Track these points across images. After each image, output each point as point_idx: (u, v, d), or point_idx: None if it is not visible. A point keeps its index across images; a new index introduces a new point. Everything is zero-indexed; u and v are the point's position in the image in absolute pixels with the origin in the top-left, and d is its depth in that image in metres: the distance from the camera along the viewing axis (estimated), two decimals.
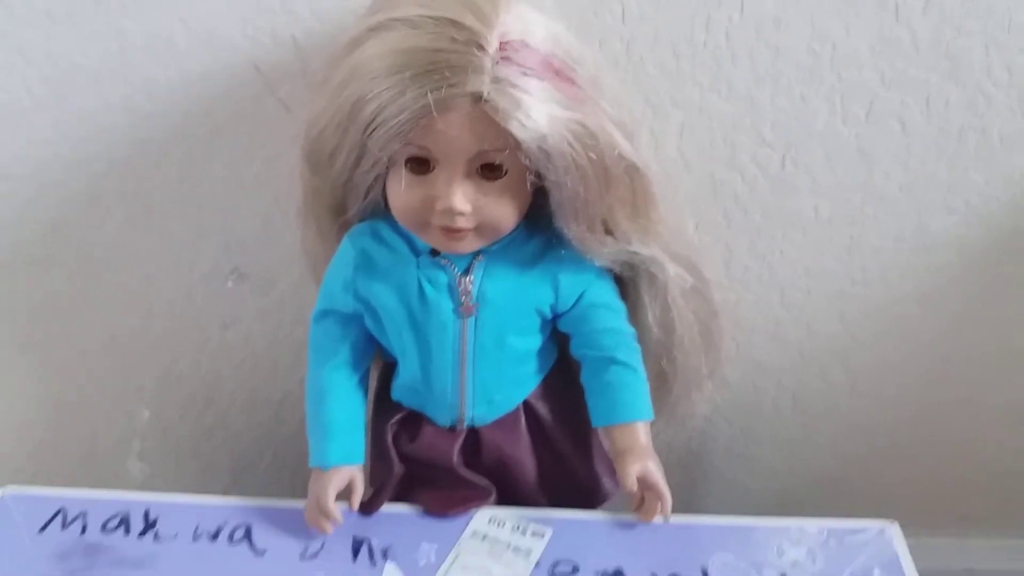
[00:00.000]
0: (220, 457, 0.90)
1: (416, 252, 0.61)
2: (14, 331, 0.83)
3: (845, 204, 0.74)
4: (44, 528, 0.64)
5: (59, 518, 0.65)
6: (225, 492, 0.73)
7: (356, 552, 0.62)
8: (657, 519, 0.62)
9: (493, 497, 0.66)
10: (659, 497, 0.61)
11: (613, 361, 0.63)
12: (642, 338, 0.65)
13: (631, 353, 0.64)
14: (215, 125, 0.72)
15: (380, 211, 0.61)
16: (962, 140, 0.71)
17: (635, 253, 0.61)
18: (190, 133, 0.72)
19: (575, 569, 0.60)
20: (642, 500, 0.62)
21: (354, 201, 0.60)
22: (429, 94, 0.49)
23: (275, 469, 0.90)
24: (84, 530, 0.64)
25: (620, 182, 0.57)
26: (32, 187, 0.74)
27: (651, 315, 0.64)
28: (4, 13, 0.67)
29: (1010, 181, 0.73)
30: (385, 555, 0.62)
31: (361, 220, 0.63)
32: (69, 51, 0.69)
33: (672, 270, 0.63)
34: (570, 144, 0.52)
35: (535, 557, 0.61)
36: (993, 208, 0.74)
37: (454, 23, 0.50)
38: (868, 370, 0.83)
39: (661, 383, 0.67)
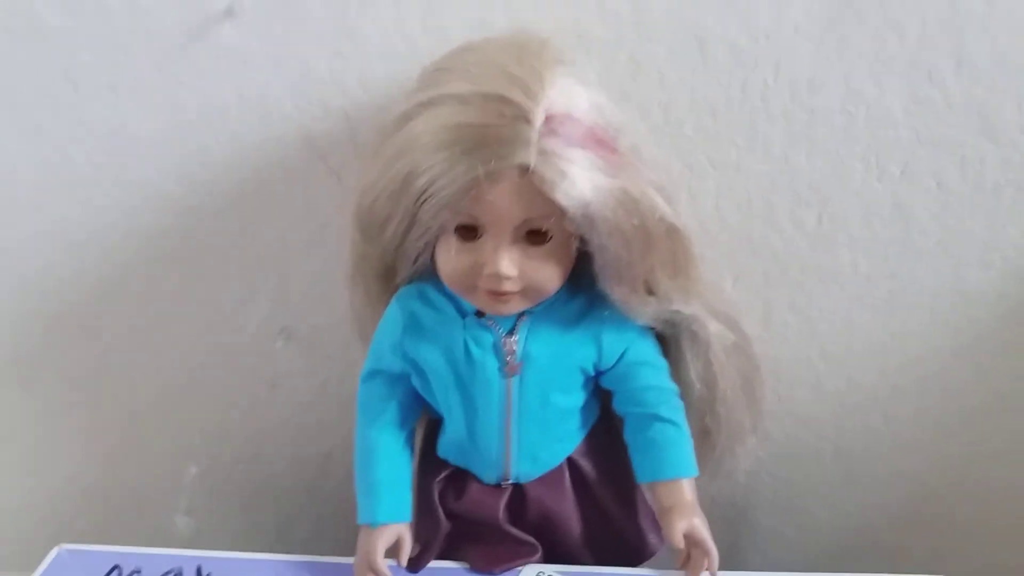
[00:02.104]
0: (266, 513, 0.91)
1: (462, 313, 0.62)
2: (66, 390, 0.85)
3: (882, 260, 0.75)
4: None
5: (115, 575, 0.66)
6: (270, 548, 0.73)
7: None
8: (704, 575, 0.62)
9: (539, 554, 0.66)
10: (706, 553, 0.61)
11: (657, 418, 0.64)
12: (685, 394, 0.65)
13: (674, 410, 0.64)
14: (267, 192, 0.74)
15: (427, 274, 0.63)
16: (998, 196, 0.72)
17: (676, 312, 0.62)
18: (242, 200, 0.74)
19: None
20: (688, 557, 0.62)
21: (404, 266, 0.62)
22: (479, 167, 0.52)
23: (319, 525, 0.91)
24: None
25: (661, 244, 0.58)
26: (91, 253, 0.77)
27: (694, 372, 0.65)
28: (70, 87, 0.71)
29: None
30: None
31: (408, 283, 0.64)
32: (128, 122, 0.72)
33: (713, 327, 0.64)
34: (613, 210, 0.54)
35: None
36: None
37: (502, 99, 0.52)
38: (908, 420, 0.83)
39: (705, 439, 0.68)
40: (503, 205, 0.53)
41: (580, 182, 0.53)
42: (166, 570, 0.66)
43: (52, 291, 0.79)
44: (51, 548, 0.68)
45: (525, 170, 0.52)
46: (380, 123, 0.61)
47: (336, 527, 0.90)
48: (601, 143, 0.55)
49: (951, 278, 0.75)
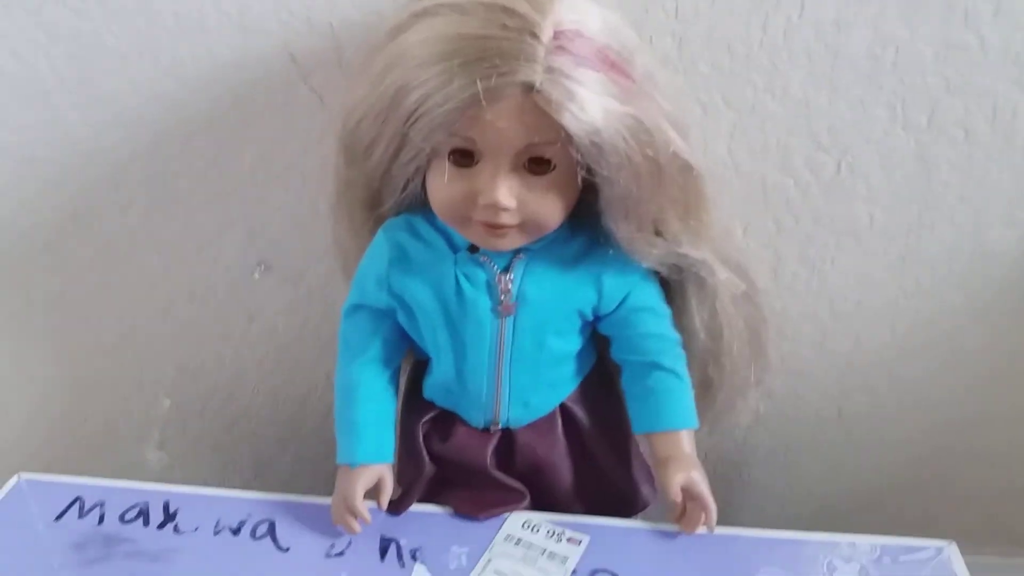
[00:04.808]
0: (241, 451, 0.89)
1: (454, 248, 0.59)
2: (33, 318, 0.82)
3: (901, 213, 0.72)
4: (60, 516, 0.63)
5: (76, 506, 0.64)
6: (246, 486, 0.72)
7: (384, 552, 0.61)
8: (700, 530, 0.60)
9: (527, 501, 0.64)
10: (704, 508, 0.59)
11: (657, 367, 0.61)
12: (688, 344, 0.63)
13: (676, 359, 0.62)
14: (245, 113, 0.70)
15: (416, 205, 0.59)
16: None
17: (684, 256, 0.58)
18: (219, 120, 0.71)
19: None
20: (684, 510, 0.60)
21: (390, 194, 0.58)
22: (478, 82, 0.47)
23: (297, 465, 0.89)
24: (102, 520, 0.63)
25: (673, 181, 0.54)
26: (54, 171, 0.73)
27: (699, 320, 0.62)
28: None
29: None
30: (414, 556, 0.60)
31: (396, 214, 0.61)
32: (96, 29, 0.67)
33: (722, 275, 0.60)
34: (624, 139, 0.50)
35: (571, 564, 0.59)
36: None
37: (506, 9, 0.48)
38: (916, 383, 0.81)
39: (706, 391, 0.65)
40: (503, 127, 0.49)
41: (589, 106, 0.48)
42: (131, 504, 0.64)
43: (12, 211, 0.75)
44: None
45: (529, 89, 0.48)
46: (369, 40, 0.57)
47: (315, 467, 0.88)
48: (614, 66, 0.50)
49: (971, 236, 0.72)
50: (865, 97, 0.67)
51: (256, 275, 0.78)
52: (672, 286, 0.62)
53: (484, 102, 0.48)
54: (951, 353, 0.79)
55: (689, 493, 0.59)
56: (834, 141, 0.69)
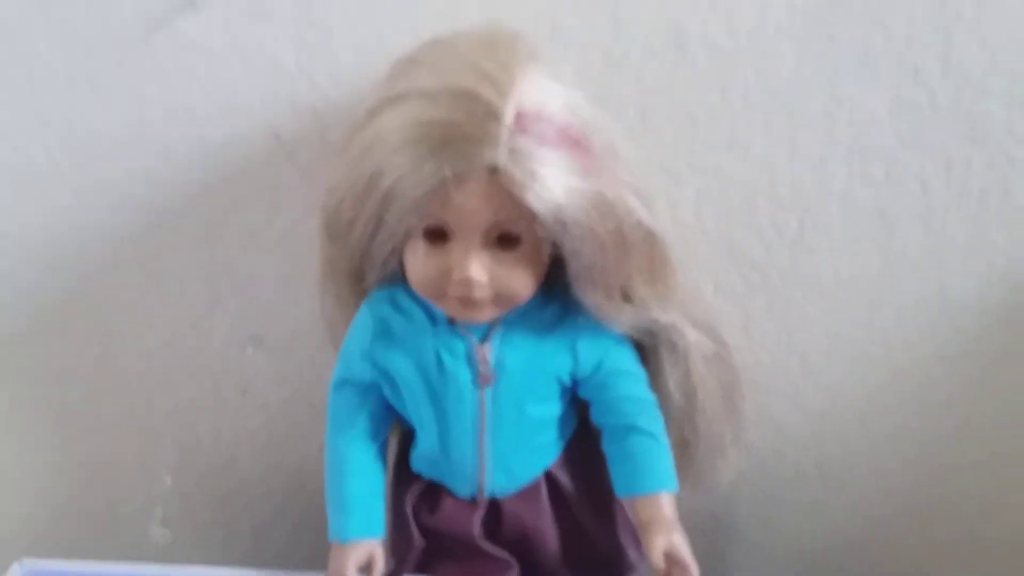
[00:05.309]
0: (240, 523, 0.89)
1: (434, 320, 0.60)
2: (32, 400, 0.82)
3: (864, 266, 0.73)
4: None
5: None
6: (246, 558, 0.71)
7: None
8: None
9: (515, 571, 0.64)
10: (684, 572, 0.59)
11: (634, 429, 0.61)
12: (663, 406, 0.63)
13: (653, 421, 0.62)
14: (234, 192, 0.72)
15: (399, 277, 0.61)
16: (983, 200, 0.70)
17: (655, 320, 0.60)
18: (209, 200, 0.72)
19: None
20: (668, 575, 0.60)
21: (372, 270, 0.60)
22: (446, 167, 0.50)
23: (295, 535, 0.89)
24: None
25: (638, 249, 0.56)
26: (50, 255, 0.75)
27: (672, 382, 0.63)
28: (24, 77, 0.68)
29: None
30: None
31: (380, 286, 0.62)
32: (89, 118, 0.69)
33: (693, 337, 0.62)
34: (587, 214, 0.52)
35: None
36: (1015, 268, 0.73)
37: (471, 95, 0.50)
38: (890, 432, 0.81)
39: (683, 451, 0.65)
40: (471, 208, 0.51)
41: (552, 184, 0.51)
42: None
43: (12, 296, 0.77)
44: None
45: (494, 170, 0.50)
46: (350, 119, 0.59)
47: (312, 536, 0.87)
48: (575, 143, 0.53)
49: (935, 286, 0.74)
50: (824, 154, 0.69)
51: (249, 350, 0.78)
52: (646, 349, 0.63)
53: (452, 185, 0.50)
54: (923, 402, 0.79)
55: (671, 557, 0.59)
56: (796, 198, 0.70)
